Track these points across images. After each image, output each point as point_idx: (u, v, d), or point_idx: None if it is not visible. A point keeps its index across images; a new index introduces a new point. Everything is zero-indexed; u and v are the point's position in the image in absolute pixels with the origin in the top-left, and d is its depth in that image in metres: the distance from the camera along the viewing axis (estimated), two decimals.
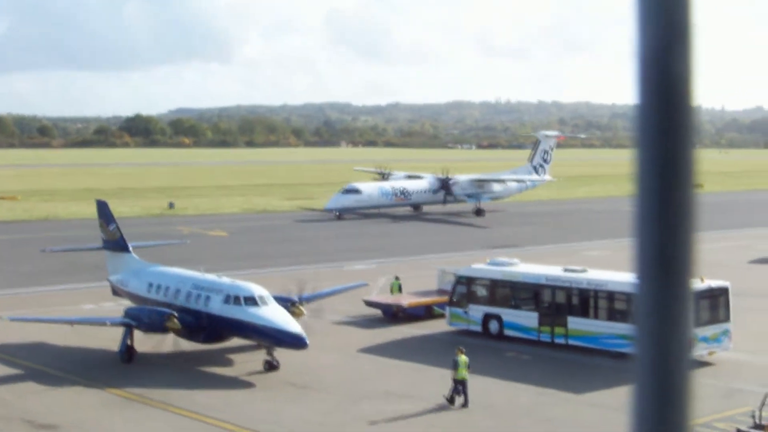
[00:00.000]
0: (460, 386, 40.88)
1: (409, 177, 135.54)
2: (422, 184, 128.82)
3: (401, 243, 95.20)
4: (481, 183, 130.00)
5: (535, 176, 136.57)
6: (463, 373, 40.90)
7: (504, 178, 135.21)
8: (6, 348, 50.20)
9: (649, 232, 3.76)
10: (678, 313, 3.76)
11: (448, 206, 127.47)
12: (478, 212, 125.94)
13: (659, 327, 3.78)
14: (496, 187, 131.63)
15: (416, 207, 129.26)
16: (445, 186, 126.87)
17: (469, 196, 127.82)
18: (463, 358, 41.20)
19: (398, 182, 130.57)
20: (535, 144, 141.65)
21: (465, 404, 40.66)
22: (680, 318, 3.77)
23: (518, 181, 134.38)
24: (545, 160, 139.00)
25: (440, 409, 40.27)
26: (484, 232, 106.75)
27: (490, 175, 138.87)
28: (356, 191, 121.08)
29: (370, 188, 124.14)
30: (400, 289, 60.53)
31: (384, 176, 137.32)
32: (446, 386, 42.49)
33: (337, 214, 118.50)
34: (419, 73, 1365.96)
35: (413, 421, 38.58)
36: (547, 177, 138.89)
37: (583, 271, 51.87)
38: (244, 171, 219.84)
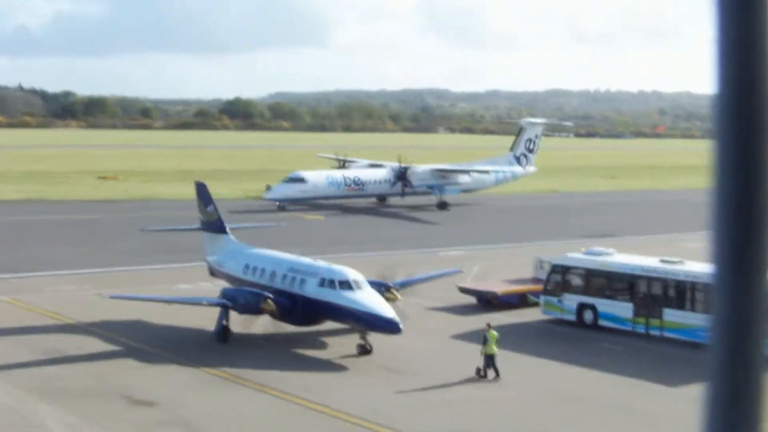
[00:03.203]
0: (490, 360, 42.34)
1: (372, 166, 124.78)
2: (379, 174, 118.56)
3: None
4: (444, 173, 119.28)
5: (516, 167, 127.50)
6: (493, 348, 42.42)
7: (477, 168, 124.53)
8: (106, 325, 51.19)
9: (727, 224, 3.76)
10: (755, 308, 3.75)
11: (417, 198, 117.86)
12: (441, 205, 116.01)
13: (735, 321, 3.78)
14: (463, 178, 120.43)
15: (381, 198, 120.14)
16: (401, 176, 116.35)
17: (431, 187, 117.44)
18: (493, 333, 42.81)
19: (352, 171, 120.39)
20: (519, 132, 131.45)
21: (497, 376, 42.23)
22: (757, 313, 3.76)
23: (494, 171, 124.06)
24: (530, 150, 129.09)
25: (530, 396, 40.17)
26: (421, 228, 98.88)
27: (455, 165, 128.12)
28: (301, 180, 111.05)
29: (317, 177, 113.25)
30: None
31: (342, 164, 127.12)
32: (538, 374, 42.48)
33: (279, 204, 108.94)
34: (514, 60, 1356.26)
35: (502, 408, 38.53)
36: (531, 168, 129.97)
37: (680, 262, 51.28)
38: (341, 154, 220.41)
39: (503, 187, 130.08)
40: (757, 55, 3.70)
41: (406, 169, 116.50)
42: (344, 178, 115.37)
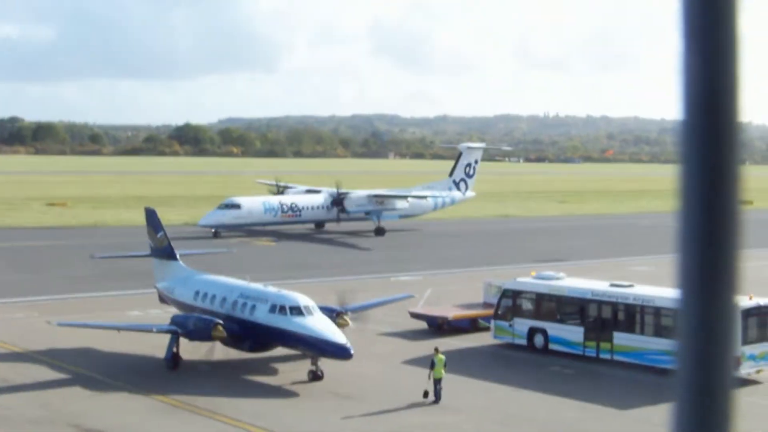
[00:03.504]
0: (437, 384, 42.93)
1: (309, 191, 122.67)
2: (316, 199, 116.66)
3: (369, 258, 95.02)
4: (380, 199, 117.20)
5: (455, 192, 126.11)
6: (441, 371, 43.04)
7: (414, 194, 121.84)
8: (54, 353, 50.65)
9: (693, 247, 3.74)
10: (722, 330, 3.74)
11: (354, 224, 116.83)
12: (379, 231, 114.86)
13: (702, 343, 3.76)
14: (401, 204, 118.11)
15: (319, 225, 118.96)
16: (337, 202, 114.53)
17: (368, 213, 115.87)
18: (440, 357, 43.52)
19: (288, 197, 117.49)
20: (458, 157, 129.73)
21: (436, 400, 42.64)
22: (724, 335, 3.74)
23: (432, 197, 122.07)
24: (468, 175, 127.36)
25: (481, 420, 40.16)
26: (365, 254, 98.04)
27: (392, 190, 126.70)
28: (235, 206, 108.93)
29: (253, 203, 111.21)
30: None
31: (279, 190, 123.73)
32: (489, 398, 42.64)
33: (214, 231, 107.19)
34: (465, 84, 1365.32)
35: None
36: (470, 193, 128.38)
37: (630, 286, 51.58)
38: (291, 180, 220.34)
39: (450, 212, 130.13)
40: (724, 79, 3.69)
41: (342, 194, 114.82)
42: (281, 204, 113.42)
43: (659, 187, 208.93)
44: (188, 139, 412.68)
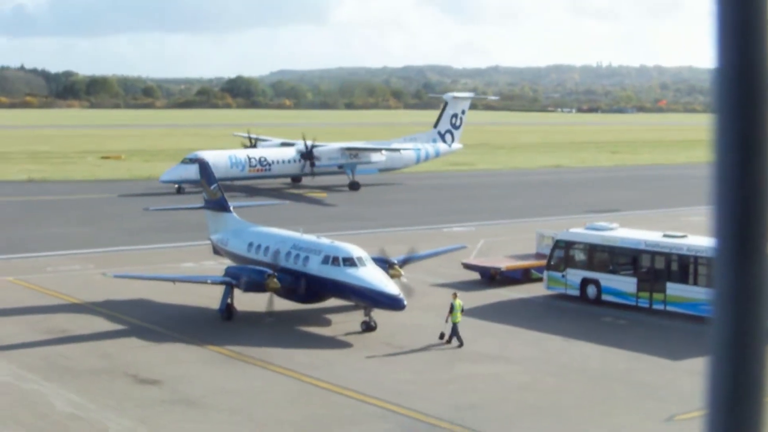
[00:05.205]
0: (455, 328, 44.28)
1: (284, 145, 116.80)
2: (288, 153, 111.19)
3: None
4: (354, 152, 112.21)
5: (440, 144, 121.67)
6: (458, 316, 44.34)
7: (392, 146, 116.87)
8: (110, 304, 51.30)
9: (728, 199, 3.76)
10: (757, 282, 3.76)
11: (328, 178, 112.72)
12: (353, 186, 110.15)
13: (737, 295, 3.79)
14: (376, 157, 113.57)
15: (296, 179, 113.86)
16: (307, 155, 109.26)
17: (340, 166, 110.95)
18: (458, 302, 44.59)
19: (257, 151, 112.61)
20: (443, 107, 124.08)
21: (460, 344, 44.10)
22: (759, 286, 3.77)
23: (415, 149, 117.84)
24: (455, 126, 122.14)
25: (535, 371, 40.25)
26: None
27: (367, 143, 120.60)
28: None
29: (218, 157, 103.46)
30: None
31: (252, 143, 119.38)
32: (542, 349, 42.74)
33: (177, 186, 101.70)
34: (515, 35, 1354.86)
35: (507, 384, 38.60)
36: (456, 145, 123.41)
37: (683, 236, 51.29)
38: (343, 132, 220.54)
39: (501, 162, 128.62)
40: (757, 29, 3.69)
41: (311, 147, 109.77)
42: (248, 158, 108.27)
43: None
44: (240, 92, 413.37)
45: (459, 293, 46.80)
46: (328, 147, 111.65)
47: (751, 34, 3.69)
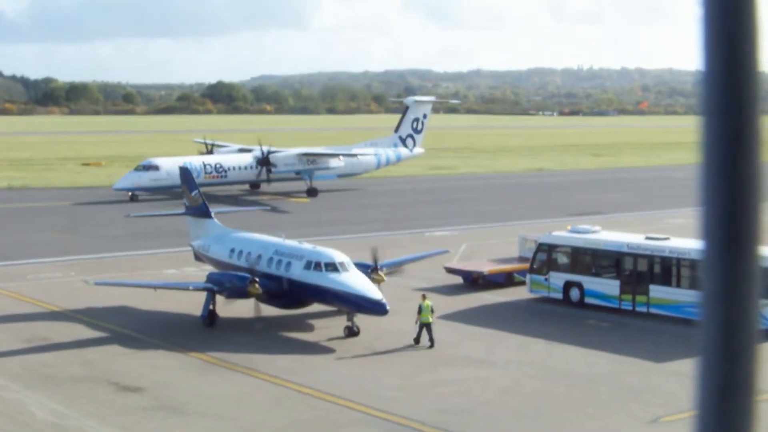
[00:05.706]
0: (427, 328, 44.60)
1: (242, 151, 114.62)
2: (244, 159, 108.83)
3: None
4: (311, 158, 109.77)
5: (402, 149, 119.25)
6: (428, 317, 44.62)
7: (351, 152, 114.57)
8: (91, 311, 51.10)
9: (715, 200, 3.73)
10: (745, 282, 3.73)
11: (289, 184, 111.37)
12: (311, 192, 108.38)
13: (726, 295, 3.76)
14: (334, 163, 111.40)
15: (254, 186, 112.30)
16: (263, 162, 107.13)
17: (298, 172, 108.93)
18: (427, 304, 44.90)
19: (213, 157, 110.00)
20: (404, 111, 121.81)
21: (431, 345, 44.44)
22: (747, 287, 3.74)
23: (375, 154, 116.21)
24: (416, 130, 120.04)
25: (519, 374, 40.25)
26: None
27: (324, 148, 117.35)
28: (153, 167, 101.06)
29: (172, 164, 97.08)
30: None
31: (208, 149, 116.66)
32: (526, 352, 42.73)
33: (131, 194, 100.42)
34: (497, 38, 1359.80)
35: (491, 387, 38.58)
36: (418, 150, 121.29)
37: (666, 239, 51.41)
38: (323, 137, 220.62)
39: (482, 167, 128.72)
40: (744, 31, 3.66)
41: (268, 153, 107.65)
42: (204, 164, 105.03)
43: (694, 139, 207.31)
44: (221, 98, 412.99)
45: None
46: (285, 153, 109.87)
47: (737, 35, 3.66)
